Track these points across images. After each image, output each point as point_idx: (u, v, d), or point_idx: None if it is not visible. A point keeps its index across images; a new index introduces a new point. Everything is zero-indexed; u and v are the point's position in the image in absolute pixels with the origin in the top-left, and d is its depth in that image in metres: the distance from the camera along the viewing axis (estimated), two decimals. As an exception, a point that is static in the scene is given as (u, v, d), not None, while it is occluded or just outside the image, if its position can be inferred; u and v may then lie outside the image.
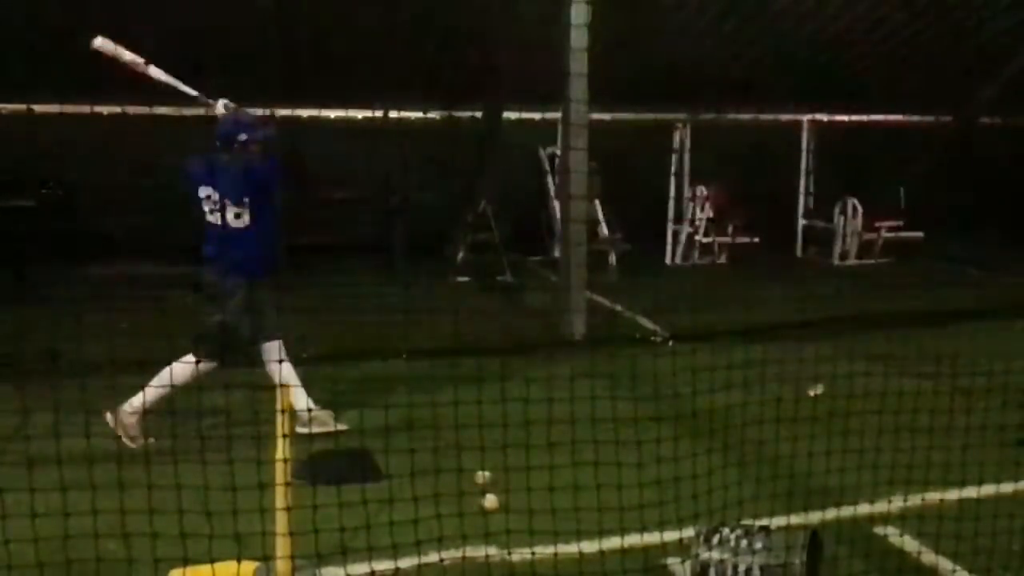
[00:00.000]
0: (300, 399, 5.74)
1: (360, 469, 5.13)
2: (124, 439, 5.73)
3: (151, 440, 5.58)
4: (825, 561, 4.07)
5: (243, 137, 5.96)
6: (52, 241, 11.23)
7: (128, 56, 6.13)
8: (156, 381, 5.59)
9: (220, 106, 6.04)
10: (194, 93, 6.06)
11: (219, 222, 5.96)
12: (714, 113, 13.73)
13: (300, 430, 5.43)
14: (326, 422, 6.02)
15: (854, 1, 12.11)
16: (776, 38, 12.52)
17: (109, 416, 5.74)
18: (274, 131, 6.23)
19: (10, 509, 3.54)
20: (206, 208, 5.99)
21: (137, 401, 5.75)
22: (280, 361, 5.45)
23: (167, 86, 6.05)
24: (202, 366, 5.80)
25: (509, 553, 4.12)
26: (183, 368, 5.74)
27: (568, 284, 9.02)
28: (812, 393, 5.91)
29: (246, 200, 5.93)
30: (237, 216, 5.95)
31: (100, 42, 6.13)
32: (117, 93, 11.09)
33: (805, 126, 14.59)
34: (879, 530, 4.62)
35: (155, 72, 6.09)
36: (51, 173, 12.36)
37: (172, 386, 5.42)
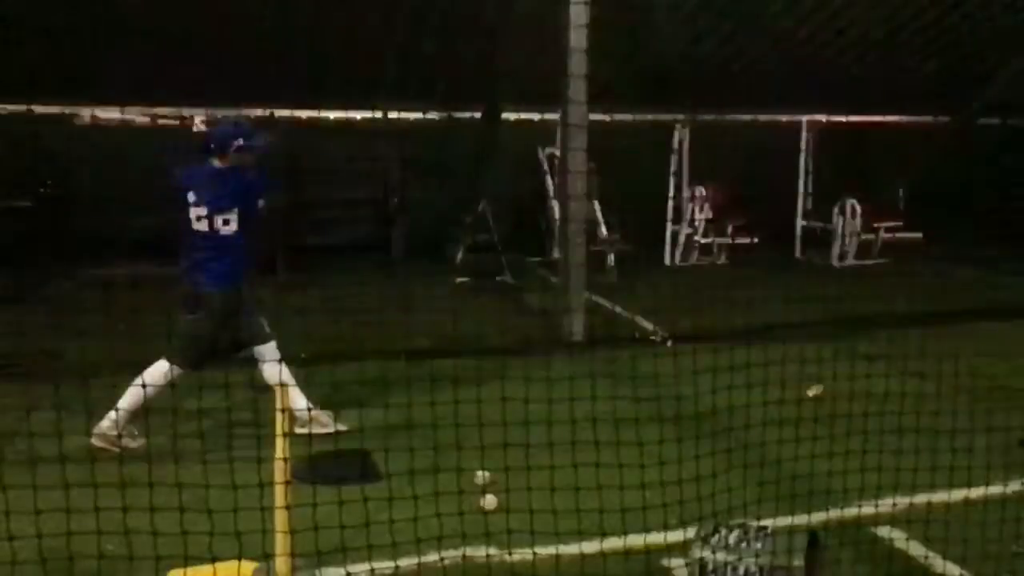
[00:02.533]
0: (299, 399, 5.74)
1: (359, 469, 5.14)
2: (121, 448, 5.66)
3: (139, 441, 5.58)
4: (827, 564, 4.06)
5: (239, 143, 5.94)
6: (51, 241, 11.21)
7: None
8: (130, 392, 5.62)
9: (199, 121, 6.02)
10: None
11: (207, 228, 5.89)
12: (713, 113, 13.71)
13: (299, 431, 5.43)
14: (326, 423, 6.02)
15: (854, 1, 12.12)
16: (775, 38, 12.52)
17: (95, 440, 5.65)
18: (267, 139, 6.18)
19: (13, 506, 3.54)
20: (193, 215, 5.90)
21: (110, 418, 5.69)
22: (277, 361, 5.47)
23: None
24: (175, 371, 5.80)
25: (510, 553, 4.12)
26: (156, 372, 5.76)
27: (567, 284, 9.01)
28: (811, 394, 5.91)
29: (236, 207, 5.89)
30: (226, 223, 5.89)
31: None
32: (116, 94, 11.20)
33: (804, 126, 14.59)
34: (882, 532, 4.62)
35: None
36: (50, 174, 12.34)
37: (145, 386, 5.43)
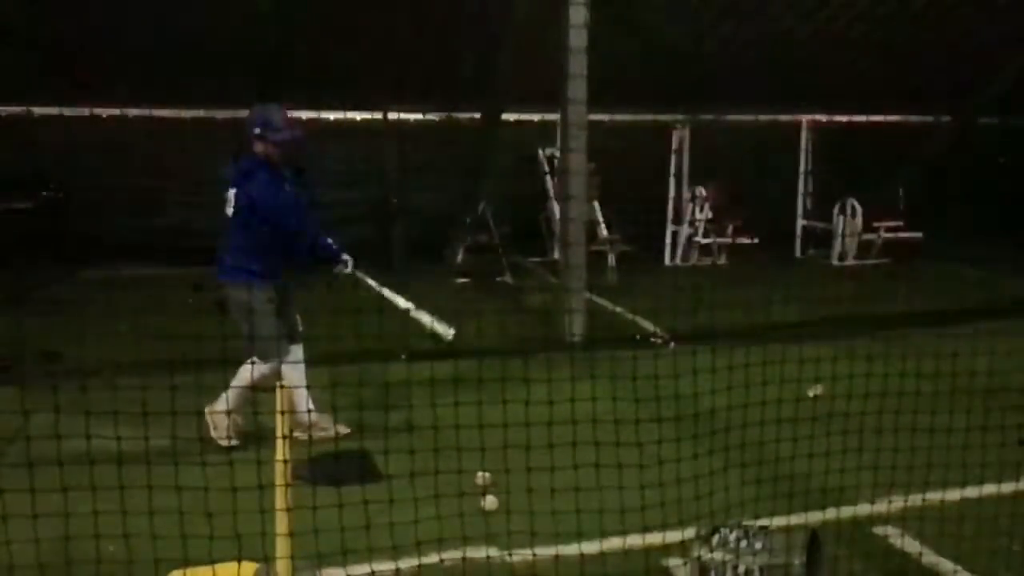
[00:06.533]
0: (301, 402, 5.74)
1: (359, 470, 5.14)
2: (215, 436, 5.84)
3: (234, 442, 5.71)
4: (825, 562, 4.07)
5: (256, 131, 5.95)
6: (51, 243, 11.21)
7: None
8: (235, 382, 5.72)
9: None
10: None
11: (227, 210, 5.99)
12: (713, 113, 13.72)
13: (299, 435, 5.42)
14: (326, 427, 6.01)
15: (853, 1, 12.12)
16: (775, 38, 12.51)
17: (207, 411, 5.84)
18: (290, 136, 6.11)
19: (11, 510, 3.53)
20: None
21: (222, 403, 5.79)
22: (296, 363, 5.51)
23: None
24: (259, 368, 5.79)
25: (510, 554, 4.12)
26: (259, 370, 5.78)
27: (568, 285, 9.01)
28: (812, 394, 5.91)
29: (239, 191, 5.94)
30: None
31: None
32: (116, 96, 11.20)
33: (804, 126, 14.59)
34: (879, 530, 4.63)
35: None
36: (50, 175, 12.34)
37: (250, 388, 5.51)
